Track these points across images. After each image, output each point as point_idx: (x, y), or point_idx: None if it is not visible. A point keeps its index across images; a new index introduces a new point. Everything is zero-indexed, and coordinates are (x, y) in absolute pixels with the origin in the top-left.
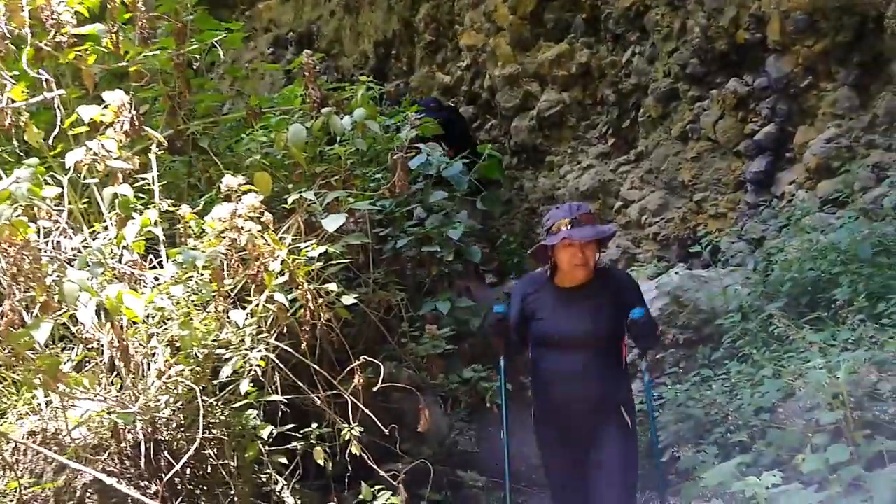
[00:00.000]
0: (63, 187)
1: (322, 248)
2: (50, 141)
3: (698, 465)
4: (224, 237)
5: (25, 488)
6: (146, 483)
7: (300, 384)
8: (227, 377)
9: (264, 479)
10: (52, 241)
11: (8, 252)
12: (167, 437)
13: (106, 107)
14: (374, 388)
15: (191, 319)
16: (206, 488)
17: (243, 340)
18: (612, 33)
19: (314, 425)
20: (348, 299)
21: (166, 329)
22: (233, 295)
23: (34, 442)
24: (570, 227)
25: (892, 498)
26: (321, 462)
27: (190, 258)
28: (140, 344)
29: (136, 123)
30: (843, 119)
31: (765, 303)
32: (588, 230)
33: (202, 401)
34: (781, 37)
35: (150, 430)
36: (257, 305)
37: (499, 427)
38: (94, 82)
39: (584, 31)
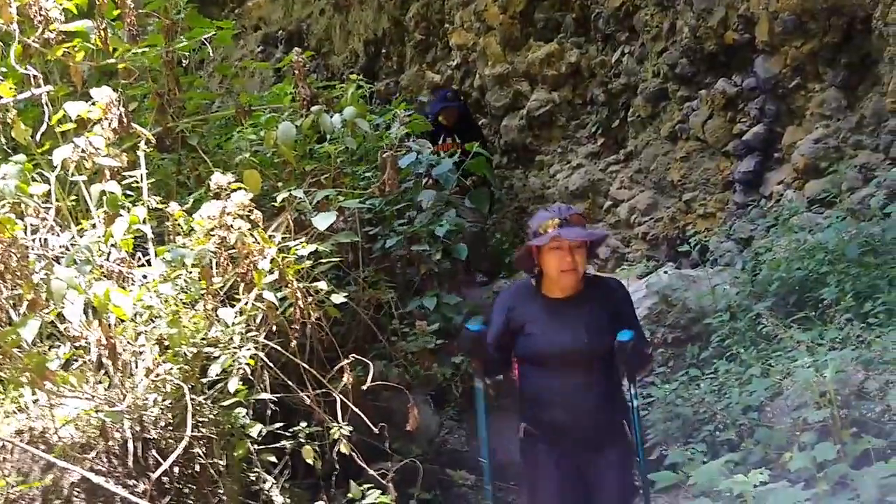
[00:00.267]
0: (51, 184)
1: (312, 247)
2: (37, 138)
3: (686, 464)
4: (213, 235)
5: (12, 487)
6: (134, 482)
7: (289, 383)
8: (216, 375)
9: (253, 478)
10: (40, 239)
11: None
12: (155, 436)
13: (94, 104)
14: (364, 387)
15: (179, 317)
16: (194, 487)
17: (232, 339)
18: (601, 33)
19: (303, 424)
20: (338, 298)
21: (155, 327)
22: (222, 293)
23: (21, 440)
24: (559, 227)
25: (878, 496)
26: (310, 461)
27: (179, 256)
28: (128, 342)
29: (125, 120)
30: (831, 120)
31: (753, 302)
32: (579, 231)
33: (191, 399)
34: (770, 37)
35: (138, 428)
36: (246, 304)
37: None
38: (83, 79)
39: (574, 30)
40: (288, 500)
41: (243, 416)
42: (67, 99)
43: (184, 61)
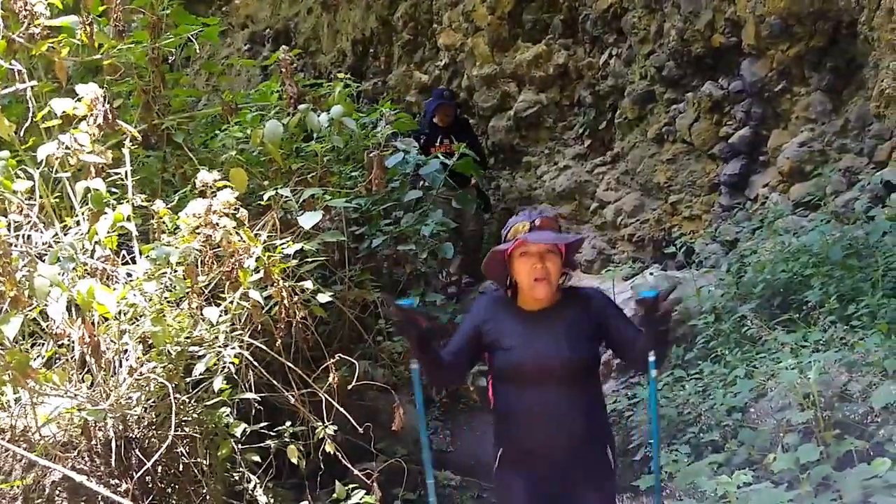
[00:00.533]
0: (34, 181)
1: (298, 246)
2: (21, 134)
3: (671, 465)
4: (198, 233)
5: None
6: (117, 481)
7: (274, 382)
8: (201, 374)
9: (237, 478)
10: (23, 236)
11: None
12: (138, 435)
13: (79, 100)
14: (349, 387)
15: (164, 316)
16: (177, 486)
17: (217, 337)
18: (589, 35)
19: (288, 423)
20: (324, 297)
21: (138, 325)
22: (207, 292)
23: (3, 439)
24: (527, 232)
25: (860, 497)
26: (295, 460)
27: (163, 254)
28: (112, 340)
29: (110, 117)
30: (816, 123)
31: (738, 304)
32: (547, 234)
33: (174, 398)
34: (756, 41)
35: (121, 427)
36: (231, 302)
37: (471, 425)
38: (68, 75)
39: (562, 32)
40: (272, 500)
41: (227, 416)
42: (52, 95)
43: (170, 58)
